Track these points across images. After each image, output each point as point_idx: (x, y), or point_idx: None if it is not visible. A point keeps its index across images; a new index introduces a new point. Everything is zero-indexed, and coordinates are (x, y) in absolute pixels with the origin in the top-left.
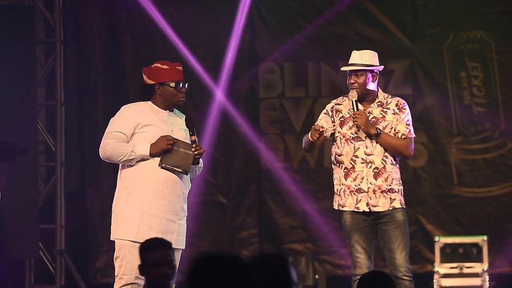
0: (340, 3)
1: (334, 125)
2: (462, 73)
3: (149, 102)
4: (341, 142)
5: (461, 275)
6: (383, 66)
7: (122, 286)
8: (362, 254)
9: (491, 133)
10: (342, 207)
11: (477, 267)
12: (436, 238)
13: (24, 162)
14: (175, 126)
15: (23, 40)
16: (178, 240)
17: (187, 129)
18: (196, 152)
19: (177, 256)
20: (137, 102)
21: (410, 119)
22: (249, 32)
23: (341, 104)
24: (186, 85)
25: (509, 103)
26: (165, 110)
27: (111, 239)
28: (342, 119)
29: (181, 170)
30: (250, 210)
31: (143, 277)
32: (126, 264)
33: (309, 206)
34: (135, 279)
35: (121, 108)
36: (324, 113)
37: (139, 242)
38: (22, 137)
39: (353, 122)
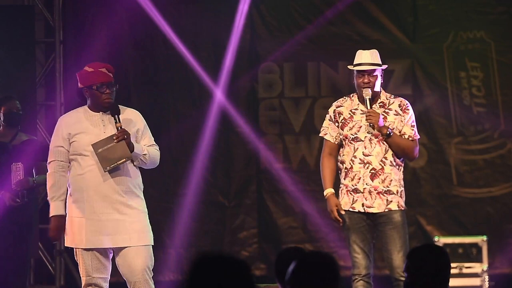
0: (340, 3)
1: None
2: (462, 73)
3: (85, 107)
4: (344, 142)
5: (460, 275)
6: (386, 66)
7: (84, 286)
8: (359, 254)
9: (491, 133)
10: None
11: (476, 267)
12: (436, 238)
13: None
14: (110, 125)
15: (23, 40)
16: (134, 238)
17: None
18: (116, 140)
19: (143, 254)
20: (75, 109)
21: (414, 120)
22: (249, 32)
23: (342, 106)
24: (111, 87)
25: (509, 103)
26: (98, 112)
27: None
28: (343, 121)
29: (124, 160)
30: (250, 210)
31: (103, 276)
32: (82, 267)
33: (308, 207)
34: (92, 280)
35: (58, 119)
36: (329, 120)
37: (90, 249)
38: None
39: (366, 120)
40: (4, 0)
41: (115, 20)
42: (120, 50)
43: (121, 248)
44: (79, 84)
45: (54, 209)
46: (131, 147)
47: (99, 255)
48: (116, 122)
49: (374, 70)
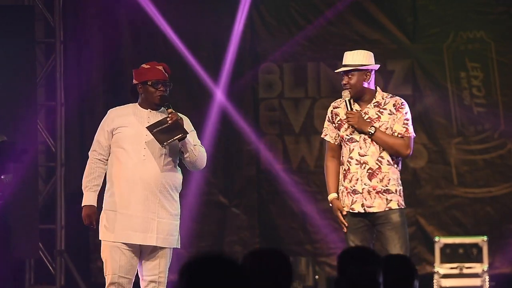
0: (340, 3)
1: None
2: (462, 73)
3: (136, 104)
4: (342, 143)
5: (461, 275)
6: (378, 65)
7: (108, 285)
8: None
9: (491, 134)
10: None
11: (477, 268)
12: (436, 239)
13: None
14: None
15: (23, 40)
16: (160, 238)
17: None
18: (170, 121)
19: (165, 255)
20: (126, 105)
21: (409, 118)
22: (249, 32)
23: (338, 107)
24: (166, 85)
25: (509, 103)
26: (147, 109)
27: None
28: (339, 122)
29: (181, 135)
30: (250, 210)
31: (128, 277)
32: (109, 264)
33: (308, 207)
34: (118, 279)
35: (108, 112)
36: (328, 121)
37: (119, 243)
38: (22, 137)
39: (347, 122)
40: (4, 0)
41: (115, 20)
42: (120, 50)
43: (147, 247)
44: (134, 81)
45: (86, 199)
46: (185, 129)
47: (128, 255)
48: (167, 108)
49: (351, 71)
